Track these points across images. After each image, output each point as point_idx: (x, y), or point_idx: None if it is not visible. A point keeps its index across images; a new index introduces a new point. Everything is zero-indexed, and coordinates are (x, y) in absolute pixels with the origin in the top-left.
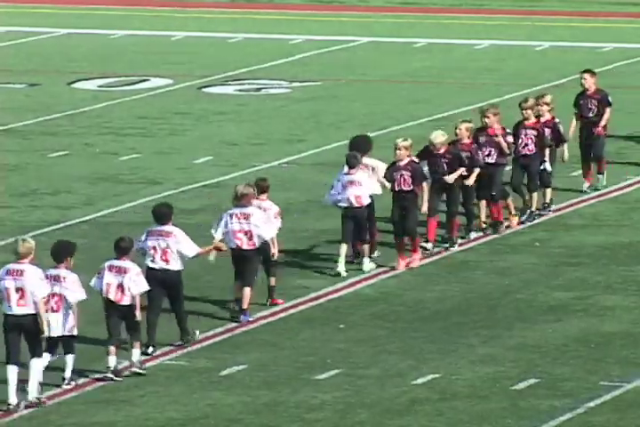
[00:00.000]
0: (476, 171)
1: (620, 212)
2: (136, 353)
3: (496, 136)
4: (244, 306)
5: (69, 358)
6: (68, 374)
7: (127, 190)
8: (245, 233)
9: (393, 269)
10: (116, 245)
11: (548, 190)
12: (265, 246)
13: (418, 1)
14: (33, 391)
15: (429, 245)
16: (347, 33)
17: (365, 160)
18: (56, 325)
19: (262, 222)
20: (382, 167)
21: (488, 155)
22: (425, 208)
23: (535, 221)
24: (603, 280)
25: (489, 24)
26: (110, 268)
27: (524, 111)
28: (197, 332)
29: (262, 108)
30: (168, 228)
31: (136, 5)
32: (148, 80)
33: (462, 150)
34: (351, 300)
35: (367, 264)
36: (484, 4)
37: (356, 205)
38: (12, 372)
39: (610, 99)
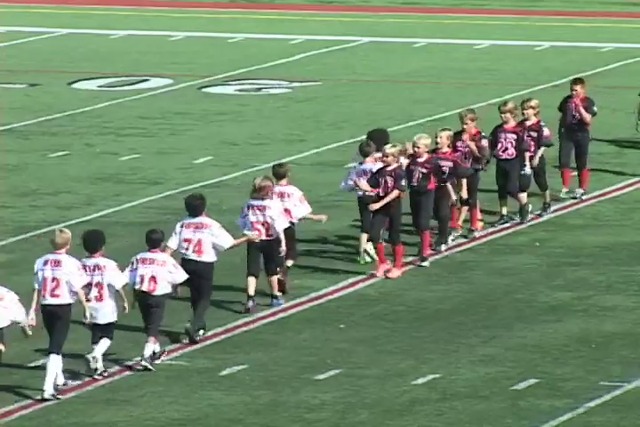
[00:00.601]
0: (465, 181)
1: (621, 212)
2: (149, 348)
3: (472, 140)
4: (274, 292)
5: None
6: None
7: (127, 190)
8: (263, 224)
9: (373, 276)
10: (147, 238)
11: (547, 192)
12: (290, 231)
13: (418, 1)
14: (49, 389)
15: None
16: (347, 33)
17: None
18: (103, 314)
19: (277, 216)
20: None
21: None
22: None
23: (534, 222)
24: (603, 280)
25: (489, 24)
26: (143, 260)
27: (502, 115)
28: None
29: (262, 108)
30: (203, 219)
31: (136, 5)
32: (147, 80)
33: (446, 159)
34: (351, 300)
35: (365, 256)
36: (484, 4)
37: (368, 194)
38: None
39: (595, 108)
